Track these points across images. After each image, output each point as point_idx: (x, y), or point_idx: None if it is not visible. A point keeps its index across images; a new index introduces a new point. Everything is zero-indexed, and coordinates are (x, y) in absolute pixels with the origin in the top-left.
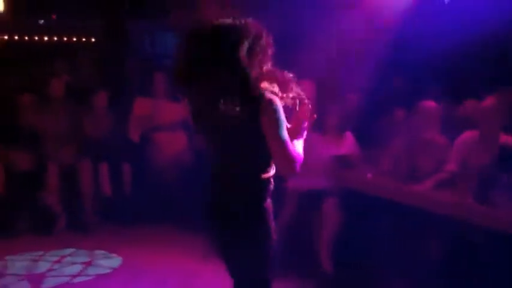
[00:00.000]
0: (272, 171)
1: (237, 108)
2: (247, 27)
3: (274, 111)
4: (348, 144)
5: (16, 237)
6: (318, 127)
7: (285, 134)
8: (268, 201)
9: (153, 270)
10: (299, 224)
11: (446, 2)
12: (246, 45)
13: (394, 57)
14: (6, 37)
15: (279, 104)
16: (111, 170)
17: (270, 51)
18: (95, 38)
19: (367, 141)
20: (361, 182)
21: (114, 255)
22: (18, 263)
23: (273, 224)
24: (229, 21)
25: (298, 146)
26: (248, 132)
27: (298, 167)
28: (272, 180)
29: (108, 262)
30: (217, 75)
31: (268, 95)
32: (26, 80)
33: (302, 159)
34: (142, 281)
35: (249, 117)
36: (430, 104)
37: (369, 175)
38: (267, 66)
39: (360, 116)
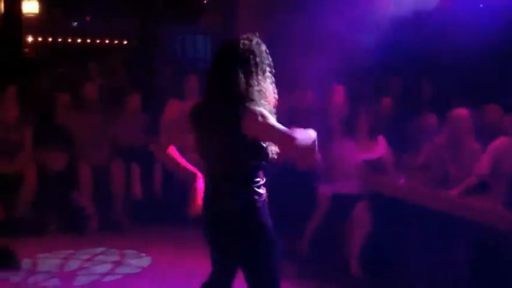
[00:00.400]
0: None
1: (227, 116)
2: (249, 46)
3: (258, 115)
4: (380, 149)
5: (48, 236)
6: (350, 131)
7: (277, 125)
8: (261, 200)
9: (182, 270)
10: (329, 228)
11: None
12: (244, 61)
13: (424, 62)
14: (40, 39)
15: (262, 110)
16: (142, 171)
17: (268, 70)
18: (127, 40)
19: (397, 145)
20: (393, 187)
21: (143, 254)
22: (50, 261)
23: (267, 219)
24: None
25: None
26: (234, 138)
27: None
28: (262, 184)
29: (138, 261)
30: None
31: (251, 107)
32: (60, 81)
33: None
34: (170, 281)
35: (234, 124)
36: (462, 111)
37: (401, 180)
38: (266, 84)
39: (391, 120)
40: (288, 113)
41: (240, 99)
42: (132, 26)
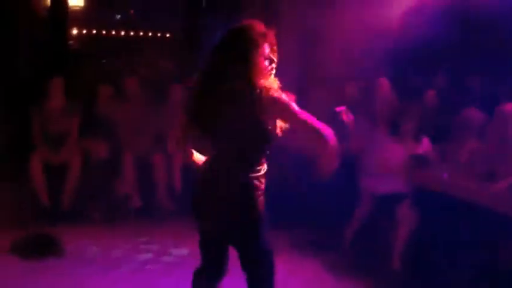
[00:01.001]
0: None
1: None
2: (255, 30)
3: (281, 102)
4: (424, 148)
5: (92, 224)
6: (395, 131)
7: (301, 112)
8: (261, 186)
9: None
10: (373, 225)
11: None
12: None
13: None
14: (85, 31)
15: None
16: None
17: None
18: (169, 34)
19: (442, 139)
20: (437, 182)
21: (184, 244)
22: (93, 249)
23: (261, 199)
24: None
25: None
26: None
27: (329, 137)
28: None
29: (179, 251)
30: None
31: (272, 92)
32: (103, 73)
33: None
34: None
35: (248, 111)
36: (510, 107)
37: (445, 175)
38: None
39: (436, 113)
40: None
41: (252, 82)
42: (175, 19)
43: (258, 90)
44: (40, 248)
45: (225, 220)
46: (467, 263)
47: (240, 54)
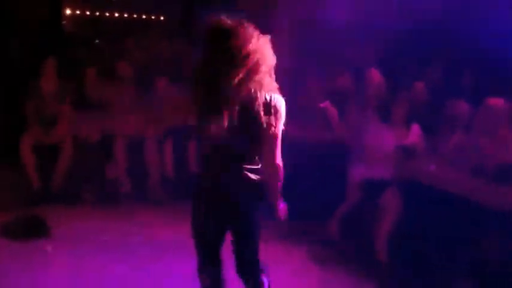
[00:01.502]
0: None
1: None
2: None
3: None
4: (413, 136)
5: (82, 206)
6: (385, 118)
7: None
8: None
9: None
10: (359, 212)
11: None
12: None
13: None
14: (78, 12)
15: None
16: (176, 148)
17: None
18: (164, 17)
19: (430, 131)
20: (424, 173)
21: (175, 228)
22: (83, 231)
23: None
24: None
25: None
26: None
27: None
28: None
29: (169, 235)
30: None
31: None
32: (96, 55)
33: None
34: None
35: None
36: (497, 101)
37: (432, 167)
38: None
39: (425, 105)
40: (326, 96)
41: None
42: (170, 2)
43: (253, 92)
44: (30, 229)
45: (227, 208)
46: (455, 254)
47: (231, 56)
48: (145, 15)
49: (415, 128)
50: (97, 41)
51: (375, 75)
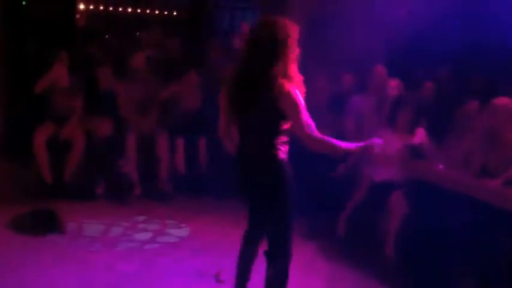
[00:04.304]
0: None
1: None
2: (282, 27)
3: (293, 98)
4: (419, 137)
5: (93, 202)
6: (391, 120)
7: (305, 117)
8: (285, 163)
9: (219, 243)
10: (366, 212)
11: None
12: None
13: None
14: (92, 7)
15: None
16: (187, 143)
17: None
18: (177, 12)
19: (439, 132)
20: (432, 173)
21: (183, 225)
22: (94, 226)
23: (290, 179)
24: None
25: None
26: (265, 115)
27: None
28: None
29: (178, 232)
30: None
31: (287, 86)
32: (109, 50)
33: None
34: (208, 252)
35: (267, 103)
36: (504, 100)
37: (440, 166)
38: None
39: (434, 105)
40: (329, 95)
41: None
42: None
43: (279, 85)
44: (41, 224)
45: (257, 184)
46: (460, 255)
47: (271, 55)
48: (158, 10)
49: (421, 132)
50: (107, 36)
51: (381, 73)
